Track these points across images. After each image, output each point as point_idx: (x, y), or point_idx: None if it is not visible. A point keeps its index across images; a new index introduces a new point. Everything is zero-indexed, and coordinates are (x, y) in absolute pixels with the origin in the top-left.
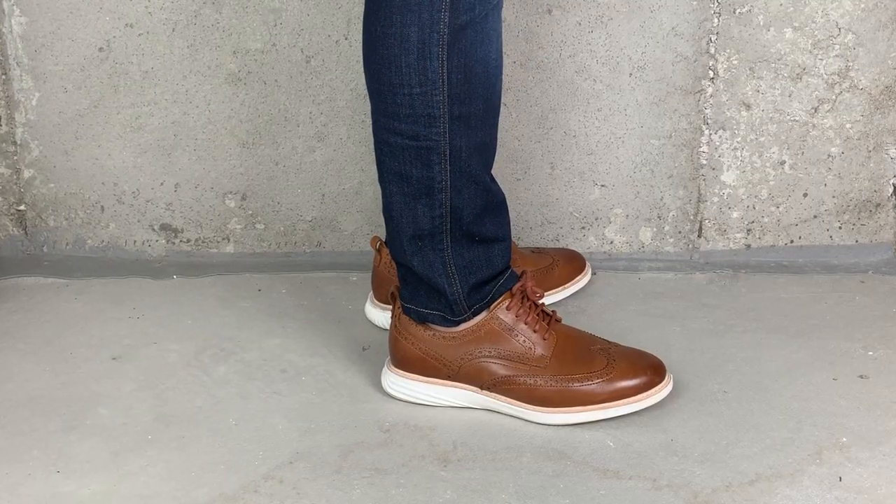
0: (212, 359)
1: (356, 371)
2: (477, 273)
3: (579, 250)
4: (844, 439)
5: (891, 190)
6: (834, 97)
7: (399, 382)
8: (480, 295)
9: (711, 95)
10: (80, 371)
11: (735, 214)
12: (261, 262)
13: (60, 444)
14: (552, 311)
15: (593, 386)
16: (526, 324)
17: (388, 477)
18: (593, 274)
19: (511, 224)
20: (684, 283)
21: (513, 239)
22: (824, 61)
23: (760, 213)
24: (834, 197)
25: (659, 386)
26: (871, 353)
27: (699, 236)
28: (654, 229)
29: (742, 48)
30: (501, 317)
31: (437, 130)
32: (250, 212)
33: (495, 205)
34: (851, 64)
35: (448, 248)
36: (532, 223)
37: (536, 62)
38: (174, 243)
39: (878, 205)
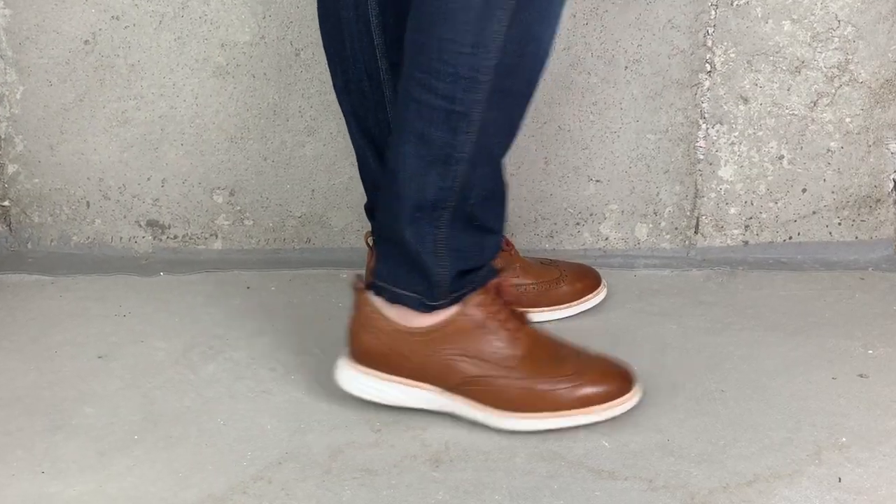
0: (200, 357)
1: None
2: (468, 260)
3: (573, 247)
4: (844, 439)
5: (891, 185)
6: (833, 91)
7: (357, 378)
8: (460, 284)
9: (708, 89)
10: (66, 370)
11: (732, 210)
12: (249, 259)
13: (46, 444)
14: (523, 313)
15: (560, 390)
16: (497, 321)
17: (379, 478)
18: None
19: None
20: (681, 281)
21: (513, 244)
22: (823, 54)
23: (758, 209)
24: (833, 192)
25: (628, 395)
26: (870, 351)
27: (696, 232)
28: (650, 225)
29: (740, 41)
30: (471, 313)
31: (476, 98)
32: (239, 207)
33: (499, 194)
34: (851, 57)
35: (445, 226)
36: (525, 219)
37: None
38: (161, 240)
39: (879, 200)
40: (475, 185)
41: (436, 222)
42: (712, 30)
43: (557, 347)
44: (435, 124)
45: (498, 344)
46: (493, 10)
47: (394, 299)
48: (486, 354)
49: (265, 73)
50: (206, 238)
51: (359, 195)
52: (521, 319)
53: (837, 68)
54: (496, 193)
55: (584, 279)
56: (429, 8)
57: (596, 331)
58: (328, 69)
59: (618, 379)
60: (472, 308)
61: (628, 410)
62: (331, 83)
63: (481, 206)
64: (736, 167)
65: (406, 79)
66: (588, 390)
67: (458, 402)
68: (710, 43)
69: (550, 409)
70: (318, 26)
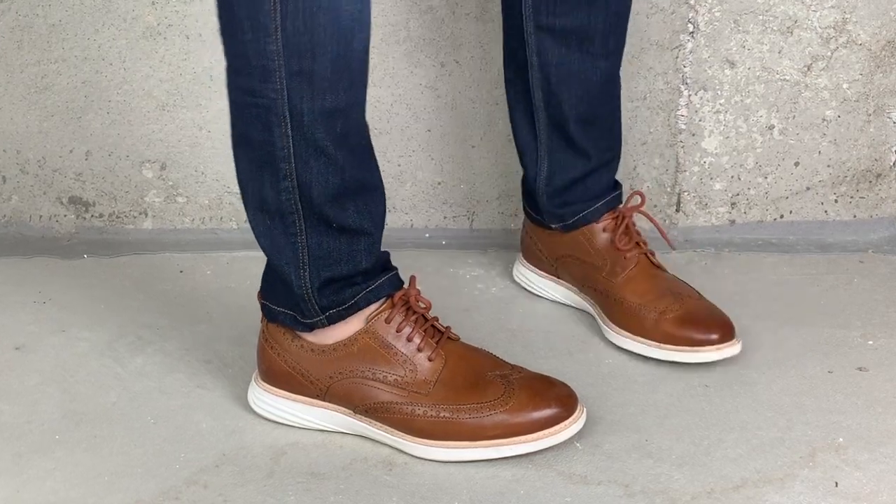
0: (127, 349)
1: None
2: (333, 267)
3: None
4: (841, 439)
5: (893, 158)
6: (829, 53)
7: (263, 398)
8: (339, 298)
9: (691, 51)
10: None
11: (718, 186)
12: (182, 240)
13: None
14: (445, 328)
15: (483, 418)
16: (409, 340)
17: (326, 482)
18: None
19: (464, 198)
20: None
21: (472, 220)
22: (818, 13)
23: (746, 185)
24: (829, 166)
25: (566, 422)
26: (870, 342)
27: (677, 210)
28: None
29: None
30: (379, 331)
31: (273, 87)
32: (171, 183)
33: (357, 188)
34: (849, 16)
35: (302, 232)
36: (489, 196)
37: (492, 14)
38: (85, 218)
39: (879, 175)
40: (313, 182)
41: (290, 230)
42: None
43: (484, 368)
44: (250, 123)
45: (408, 367)
46: None
47: (272, 317)
48: (395, 380)
49: (200, 34)
50: (134, 217)
51: None
52: (442, 336)
53: (834, 28)
54: (351, 189)
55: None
56: None
57: (567, 320)
58: None
59: (554, 403)
60: (380, 325)
61: (600, 412)
62: None
63: (335, 205)
64: (721, 138)
65: (226, 78)
66: (517, 419)
67: (369, 425)
68: (692, 0)
69: (470, 438)
70: None
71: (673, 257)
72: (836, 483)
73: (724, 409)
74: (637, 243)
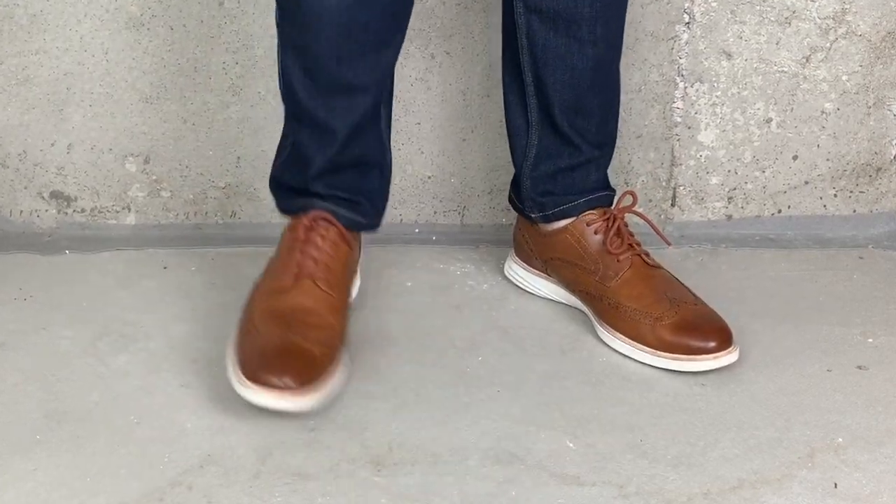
0: (110, 347)
1: None
2: (289, 174)
3: None
4: (840, 439)
5: (893, 152)
6: (828, 45)
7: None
8: (287, 198)
9: (687, 43)
10: None
11: (714, 180)
12: (166, 236)
13: None
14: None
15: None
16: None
17: (313, 483)
18: None
19: (455, 192)
20: (656, 259)
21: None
22: (817, 3)
23: (743, 179)
24: (828, 160)
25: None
26: (870, 339)
27: (673, 205)
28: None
29: None
30: (283, 243)
31: (279, 13)
32: (154, 177)
33: (311, 122)
34: (849, 6)
35: (291, 137)
36: (480, 190)
37: (483, 3)
38: (67, 213)
39: (879, 169)
40: (287, 96)
41: (290, 125)
42: None
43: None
44: None
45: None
46: None
47: None
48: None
49: (184, 25)
50: (117, 211)
51: None
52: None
53: (833, 19)
54: (312, 123)
55: None
56: None
57: (560, 318)
58: None
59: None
60: (286, 240)
61: (594, 412)
62: (258, 36)
63: (296, 126)
64: (718, 131)
65: None
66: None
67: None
68: None
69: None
70: None
71: (669, 253)
72: (836, 484)
73: (720, 409)
74: (630, 244)
